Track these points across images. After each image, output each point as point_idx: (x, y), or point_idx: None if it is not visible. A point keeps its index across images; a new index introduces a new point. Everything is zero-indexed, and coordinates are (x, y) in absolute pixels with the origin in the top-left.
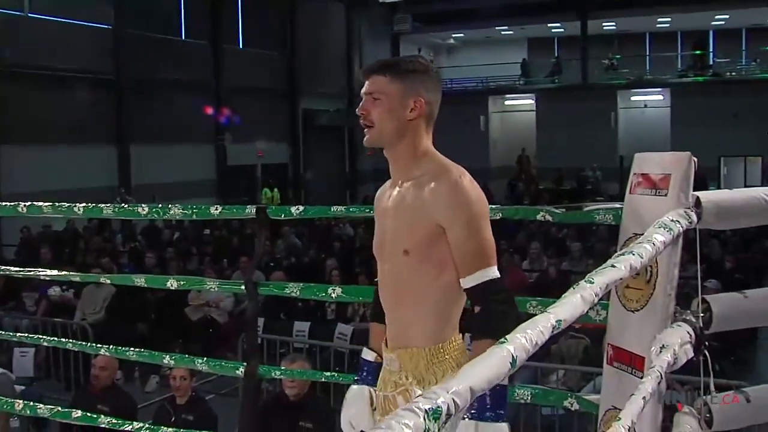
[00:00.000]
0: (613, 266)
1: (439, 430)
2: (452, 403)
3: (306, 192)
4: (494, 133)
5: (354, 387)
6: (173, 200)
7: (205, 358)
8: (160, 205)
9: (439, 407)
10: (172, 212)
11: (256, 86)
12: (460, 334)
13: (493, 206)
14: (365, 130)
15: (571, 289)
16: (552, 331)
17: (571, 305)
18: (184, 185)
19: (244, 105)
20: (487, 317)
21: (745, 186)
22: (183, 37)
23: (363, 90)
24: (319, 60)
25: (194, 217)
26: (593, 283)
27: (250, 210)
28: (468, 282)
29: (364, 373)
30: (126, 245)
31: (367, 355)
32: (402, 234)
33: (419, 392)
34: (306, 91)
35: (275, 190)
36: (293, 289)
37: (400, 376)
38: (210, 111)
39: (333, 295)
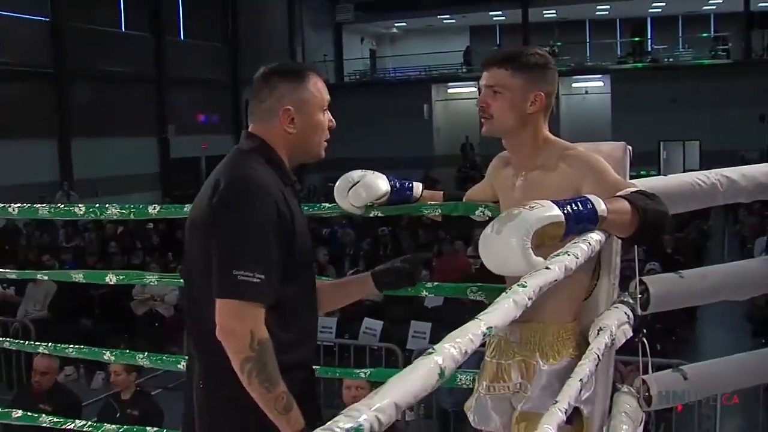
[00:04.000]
0: (547, 268)
1: None
2: (375, 421)
3: None
4: (438, 121)
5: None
6: (116, 194)
7: (146, 353)
8: (97, 205)
9: (361, 425)
10: (109, 212)
11: (198, 78)
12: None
13: (432, 203)
14: (483, 120)
15: (504, 293)
16: (483, 338)
17: (502, 311)
18: (127, 179)
19: (186, 97)
20: (635, 193)
21: (684, 169)
22: (123, 29)
23: (482, 82)
24: (261, 50)
25: (132, 216)
26: (526, 287)
27: (189, 209)
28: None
29: (401, 184)
30: (70, 240)
31: (416, 185)
32: None
33: (542, 364)
34: (249, 82)
35: None
36: None
37: (521, 348)
38: (152, 103)
39: None
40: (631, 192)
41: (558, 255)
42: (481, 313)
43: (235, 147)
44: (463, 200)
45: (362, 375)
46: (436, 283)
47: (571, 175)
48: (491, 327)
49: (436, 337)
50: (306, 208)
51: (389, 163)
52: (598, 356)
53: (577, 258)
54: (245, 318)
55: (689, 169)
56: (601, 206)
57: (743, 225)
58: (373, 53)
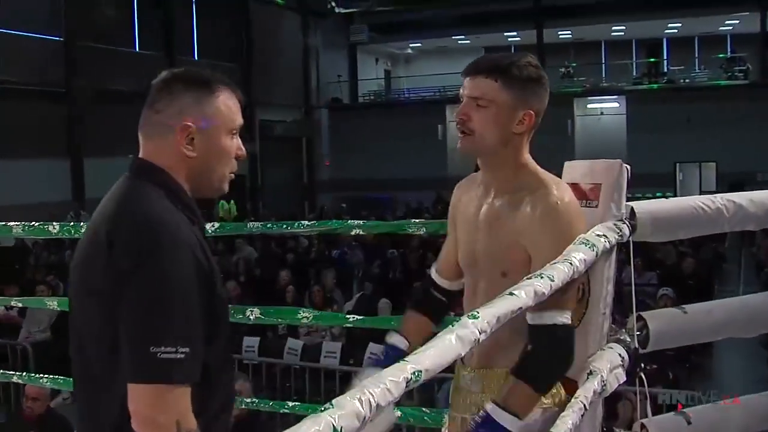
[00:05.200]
0: (511, 294)
1: None
2: None
3: (263, 204)
4: (452, 142)
5: (371, 369)
6: None
7: None
8: (71, 224)
9: None
10: (83, 230)
11: None
12: None
13: (417, 221)
14: (461, 135)
15: (449, 326)
16: (406, 386)
17: (439, 350)
18: None
19: None
20: (532, 360)
21: (701, 191)
22: (137, 49)
23: (465, 91)
24: (275, 70)
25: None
26: (477, 318)
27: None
28: (533, 319)
29: (390, 360)
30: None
31: (397, 340)
32: (498, 255)
33: None
34: (262, 102)
35: (231, 202)
36: None
37: (482, 398)
38: None
39: (251, 317)
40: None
41: (530, 278)
42: (414, 352)
43: (124, 176)
44: (436, 272)
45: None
46: None
47: (526, 222)
48: (419, 371)
49: None
50: (284, 226)
51: (402, 184)
52: (584, 406)
53: (552, 281)
54: (169, 405)
55: (705, 191)
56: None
57: (760, 248)
58: (387, 74)
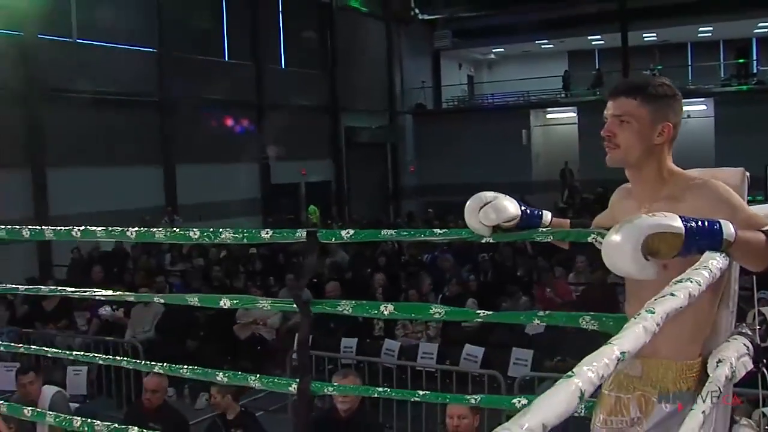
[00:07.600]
0: (672, 294)
1: None
2: None
3: (349, 209)
4: (536, 146)
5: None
6: (218, 219)
7: (258, 375)
8: (211, 229)
9: None
10: (223, 236)
11: (298, 105)
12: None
13: (544, 229)
14: (608, 150)
15: (633, 319)
16: (617, 364)
17: (633, 336)
18: (229, 204)
19: (286, 123)
20: None
21: None
22: (226, 58)
23: (609, 111)
24: (359, 77)
25: (245, 240)
26: (654, 312)
27: (301, 234)
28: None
29: (531, 210)
30: (175, 264)
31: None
32: None
33: (662, 400)
34: (347, 109)
35: (316, 207)
36: (346, 307)
37: (642, 382)
38: (253, 130)
39: (385, 313)
40: None
41: (680, 281)
42: (613, 338)
43: None
44: (592, 227)
45: (472, 401)
46: (548, 312)
47: (700, 206)
48: (624, 352)
49: (537, 365)
50: (414, 233)
51: (487, 189)
52: (719, 389)
53: (699, 285)
54: None
55: None
56: (729, 230)
57: None
58: (470, 79)
